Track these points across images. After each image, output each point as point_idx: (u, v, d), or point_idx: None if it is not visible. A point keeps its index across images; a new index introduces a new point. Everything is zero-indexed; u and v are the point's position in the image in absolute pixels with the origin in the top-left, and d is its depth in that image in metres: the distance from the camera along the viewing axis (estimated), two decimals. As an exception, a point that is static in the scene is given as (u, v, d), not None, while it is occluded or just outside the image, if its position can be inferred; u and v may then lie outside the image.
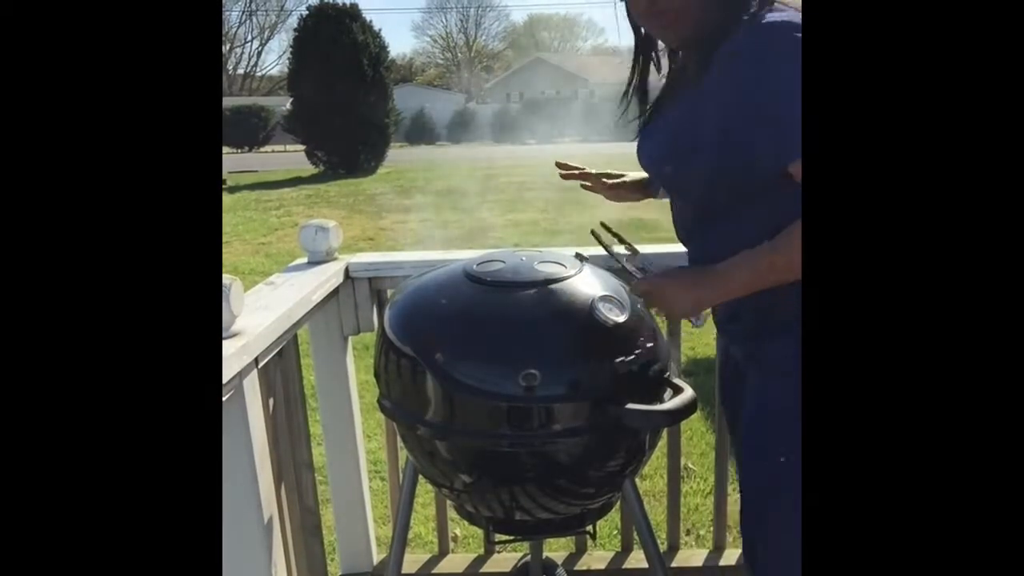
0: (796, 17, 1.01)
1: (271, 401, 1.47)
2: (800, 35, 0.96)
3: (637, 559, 2.06)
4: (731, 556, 2.07)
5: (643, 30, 1.27)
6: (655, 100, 1.30)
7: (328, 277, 1.72)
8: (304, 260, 1.87)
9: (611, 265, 1.37)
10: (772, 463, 1.18)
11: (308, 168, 16.53)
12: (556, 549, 2.19)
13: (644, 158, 1.29)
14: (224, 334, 1.25)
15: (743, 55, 1.03)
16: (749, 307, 1.19)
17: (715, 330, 1.60)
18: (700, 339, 4.23)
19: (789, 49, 0.95)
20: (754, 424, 1.27)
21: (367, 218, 9.97)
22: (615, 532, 2.24)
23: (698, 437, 3.06)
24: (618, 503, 1.62)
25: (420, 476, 1.47)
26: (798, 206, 0.84)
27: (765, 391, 1.24)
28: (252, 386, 1.32)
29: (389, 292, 1.87)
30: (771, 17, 1.02)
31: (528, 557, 1.93)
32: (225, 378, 1.18)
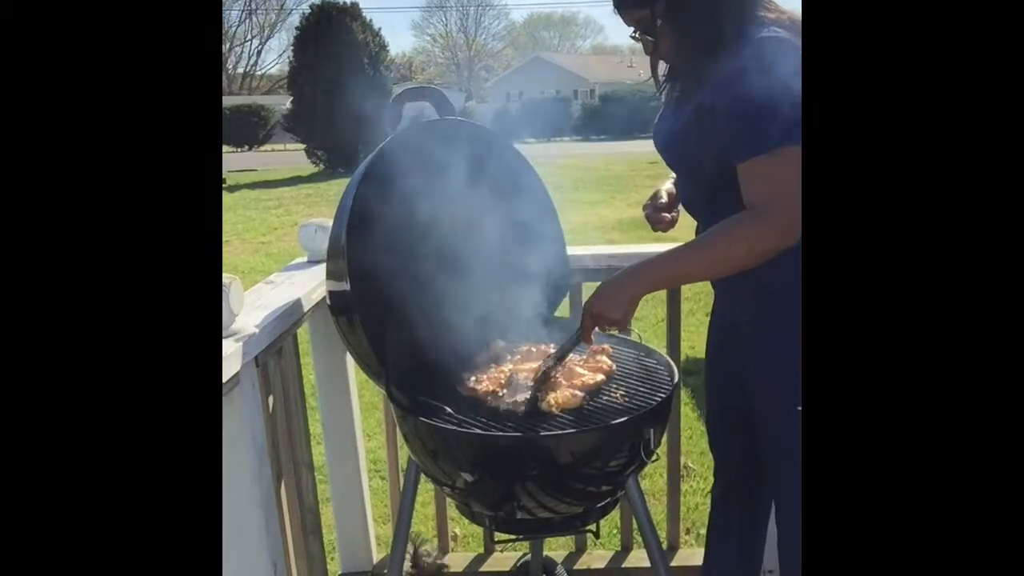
0: (784, 34, 1.19)
1: (271, 400, 1.47)
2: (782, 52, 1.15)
3: (637, 558, 2.06)
4: (731, 555, 2.07)
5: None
6: (666, 96, 1.45)
7: (328, 276, 1.72)
8: (304, 259, 1.87)
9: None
10: (789, 418, 1.23)
11: (308, 167, 16.51)
12: (556, 548, 2.19)
13: (657, 142, 1.43)
14: (224, 333, 1.25)
15: (739, 65, 1.19)
16: (749, 282, 1.27)
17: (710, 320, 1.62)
18: (700, 338, 4.23)
19: (770, 61, 1.13)
20: (767, 384, 1.35)
21: (367, 217, 9.92)
22: (615, 531, 2.24)
23: (698, 436, 3.06)
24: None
25: (422, 475, 1.47)
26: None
27: (775, 351, 1.30)
28: (252, 385, 1.32)
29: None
30: (763, 33, 1.20)
31: (528, 556, 1.93)
32: (225, 377, 1.18)
